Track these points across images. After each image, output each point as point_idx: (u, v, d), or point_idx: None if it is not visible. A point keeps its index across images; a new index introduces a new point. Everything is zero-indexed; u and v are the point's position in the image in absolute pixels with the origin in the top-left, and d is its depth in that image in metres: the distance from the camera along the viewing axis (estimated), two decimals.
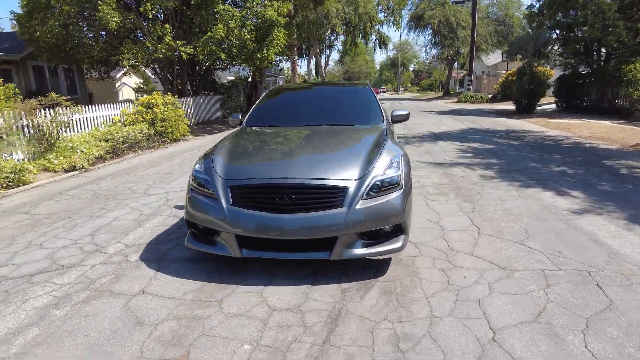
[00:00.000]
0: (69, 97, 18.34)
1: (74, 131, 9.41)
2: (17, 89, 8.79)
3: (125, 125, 10.02)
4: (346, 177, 2.93)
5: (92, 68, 14.03)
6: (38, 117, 7.87)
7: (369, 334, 2.30)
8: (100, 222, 4.41)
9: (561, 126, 12.20)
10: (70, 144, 8.11)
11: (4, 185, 6.14)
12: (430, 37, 38.49)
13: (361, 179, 2.93)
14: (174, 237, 3.90)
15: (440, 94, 42.98)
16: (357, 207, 2.82)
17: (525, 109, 16.82)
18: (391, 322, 2.41)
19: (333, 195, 2.86)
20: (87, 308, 2.66)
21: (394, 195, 2.95)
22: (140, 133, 9.79)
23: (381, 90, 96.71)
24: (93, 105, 10.03)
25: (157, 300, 2.74)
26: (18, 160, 7.54)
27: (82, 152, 7.95)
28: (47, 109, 8.26)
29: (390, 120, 4.42)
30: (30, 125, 7.84)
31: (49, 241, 3.91)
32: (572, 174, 6.03)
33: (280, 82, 53.45)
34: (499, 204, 4.64)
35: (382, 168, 3.06)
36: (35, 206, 5.21)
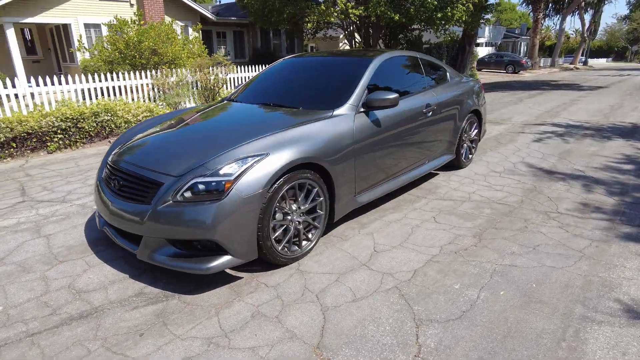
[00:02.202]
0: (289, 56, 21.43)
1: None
2: (206, 49, 10.93)
3: None
4: (167, 171, 2.59)
5: (295, 30, 15.75)
6: (203, 74, 9.63)
7: (61, 348, 2.11)
8: None
9: None
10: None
11: None
12: None
13: (181, 177, 2.51)
14: None
15: None
16: (160, 208, 2.47)
17: None
18: (88, 350, 2.12)
19: (146, 189, 2.60)
20: (6, 237, 3.40)
21: (208, 205, 2.40)
22: None
23: None
24: (253, 66, 11.44)
25: (40, 246, 3.22)
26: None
27: None
28: (212, 67, 9.97)
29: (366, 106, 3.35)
30: (198, 80, 9.71)
31: (90, 179, 4.98)
32: None
33: (523, 45, 45.79)
34: (513, 256, 2.99)
35: (217, 166, 2.51)
36: None
